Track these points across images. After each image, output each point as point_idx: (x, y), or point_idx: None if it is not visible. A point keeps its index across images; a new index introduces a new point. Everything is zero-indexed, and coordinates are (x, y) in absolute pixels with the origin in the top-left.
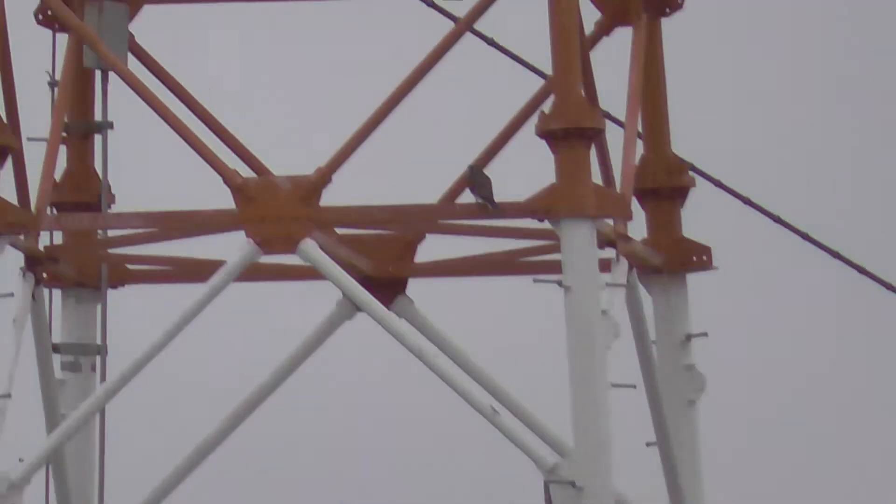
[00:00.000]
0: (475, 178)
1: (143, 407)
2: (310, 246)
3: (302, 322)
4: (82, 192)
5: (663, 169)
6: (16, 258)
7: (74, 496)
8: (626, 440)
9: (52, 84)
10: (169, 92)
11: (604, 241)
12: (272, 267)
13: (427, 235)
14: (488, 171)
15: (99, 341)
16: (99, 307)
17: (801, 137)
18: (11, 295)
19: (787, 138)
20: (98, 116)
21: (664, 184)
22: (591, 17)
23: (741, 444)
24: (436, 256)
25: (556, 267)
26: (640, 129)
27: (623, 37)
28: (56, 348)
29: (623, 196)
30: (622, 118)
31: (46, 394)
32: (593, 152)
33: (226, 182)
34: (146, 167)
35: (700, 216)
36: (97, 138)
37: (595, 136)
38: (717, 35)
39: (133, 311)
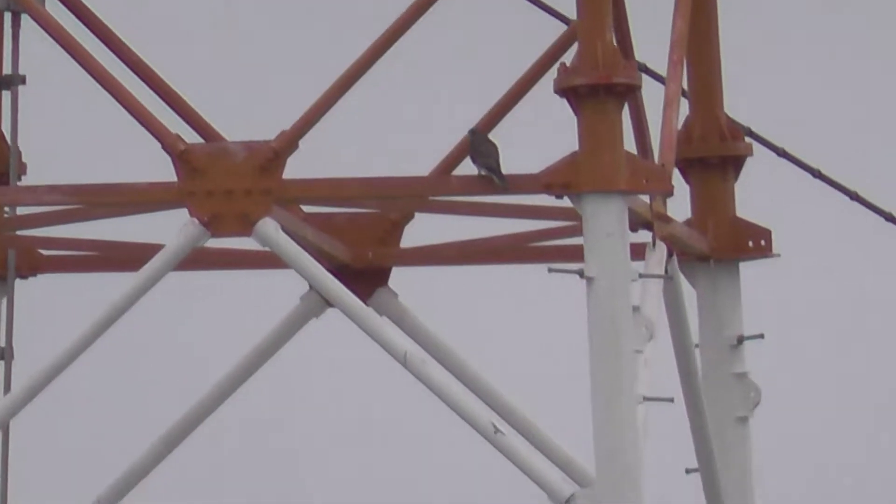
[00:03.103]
0: (477, 146)
1: (55, 425)
2: (269, 226)
3: (258, 321)
4: None
5: (713, 134)
6: None
7: None
8: (661, 466)
9: None
10: (95, 38)
11: (637, 222)
12: (221, 252)
13: (416, 215)
14: (493, 136)
15: (3, 343)
16: (4, 301)
17: (885, 98)
18: None
19: (867, 98)
20: (7, 69)
21: (714, 152)
22: None
23: (804, 470)
24: (426, 241)
25: (576, 253)
26: (685, 86)
27: None
28: None
29: (662, 167)
30: (663, 72)
31: None
32: (626, 114)
33: (165, 148)
34: (65, 130)
35: (758, 192)
36: (5, 95)
37: (628, 93)
38: None
39: (46, 307)
